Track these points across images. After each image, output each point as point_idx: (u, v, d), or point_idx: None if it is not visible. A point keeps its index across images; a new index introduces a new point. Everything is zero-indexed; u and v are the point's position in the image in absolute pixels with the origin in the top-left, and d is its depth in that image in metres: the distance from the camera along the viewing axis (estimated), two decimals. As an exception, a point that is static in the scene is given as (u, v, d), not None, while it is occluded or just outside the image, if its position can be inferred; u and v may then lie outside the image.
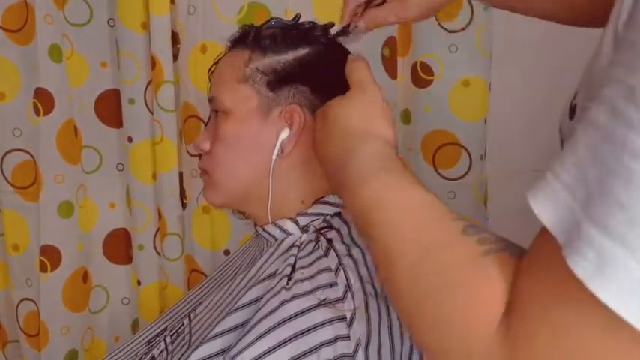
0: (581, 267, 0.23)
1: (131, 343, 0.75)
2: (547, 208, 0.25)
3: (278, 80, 0.58)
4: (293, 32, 0.60)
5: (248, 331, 0.52)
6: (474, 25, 0.98)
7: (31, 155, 0.99)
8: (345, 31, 0.59)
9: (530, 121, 1.06)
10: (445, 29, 0.99)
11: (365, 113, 0.48)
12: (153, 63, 0.96)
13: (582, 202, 0.24)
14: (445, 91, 1.00)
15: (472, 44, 0.98)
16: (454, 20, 0.98)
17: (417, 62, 1.02)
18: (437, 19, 0.99)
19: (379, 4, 0.57)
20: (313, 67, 0.59)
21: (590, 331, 0.24)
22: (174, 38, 0.98)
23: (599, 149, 0.24)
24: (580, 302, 0.23)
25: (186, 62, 0.98)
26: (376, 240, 0.38)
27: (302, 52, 0.59)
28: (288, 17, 0.94)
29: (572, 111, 0.34)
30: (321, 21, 0.63)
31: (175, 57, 0.98)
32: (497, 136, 1.04)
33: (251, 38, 0.60)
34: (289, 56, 0.58)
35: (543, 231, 0.26)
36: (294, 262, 0.56)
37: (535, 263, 0.28)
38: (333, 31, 0.60)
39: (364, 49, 0.97)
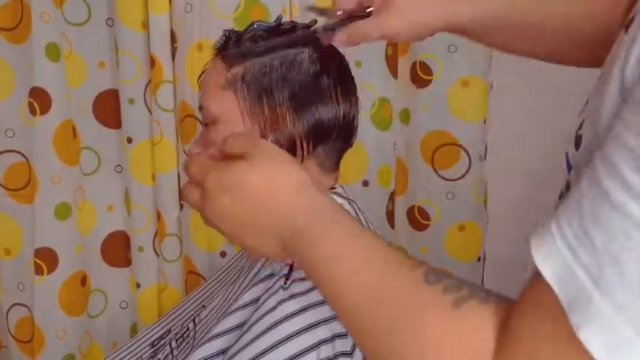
0: (596, 345, 0.23)
1: (133, 344, 0.75)
2: (549, 264, 0.26)
3: (259, 84, 0.56)
4: (273, 34, 0.58)
5: (247, 331, 0.52)
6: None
7: (25, 156, 0.97)
8: (325, 12, 0.56)
9: (530, 121, 1.06)
10: (444, 29, 0.99)
11: (278, 167, 0.42)
12: (152, 62, 0.95)
13: (591, 272, 0.24)
14: (444, 91, 1.00)
15: (471, 44, 0.98)
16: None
17: (415, 62, 1.01)
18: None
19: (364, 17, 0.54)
20: (296, 65, 0.57)
21: None
22: (172, 37, 0.97)
23: (608, 218, 0.24)
24: None
25: (183, 61, 0.97)
26: (336, 301, 0.36)
27: (282, 53, 0.57)
28: (286, 14, 0.95)
29: (578, 141, 0.34)
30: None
31: (173, 56, 0.98)
32: (497, 136, 1.04)
33: (232, 43, 0.59)
34: (269, 58, 0.57)
35: (539, 280, 0.26)
36: (292, 263, 0.55)
37: (534, 315, 0.27)
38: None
39: (370, 47, 0.96)
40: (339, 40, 0.54)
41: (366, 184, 1.05)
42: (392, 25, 0.52)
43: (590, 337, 0.24)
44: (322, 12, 0.57)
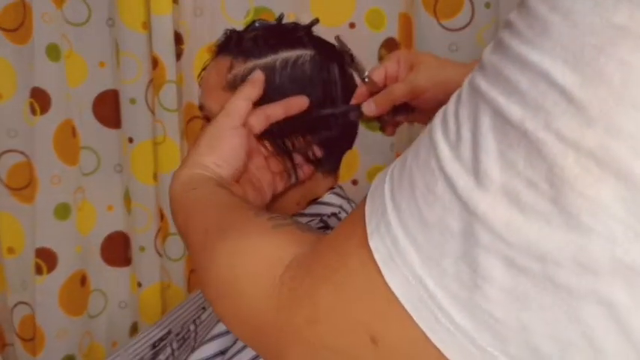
0: (379, 251, 0.24)
1: (134, 344, 0.75)
2: (376, 179, 0.27)
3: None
4: (275, 34, 0.58)
5: (245, 332, 0.51)
6: (475, 24, 0.97)
7: (27, 156, 0.98)
8: (356, 68, 0.58)
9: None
10: (445, 28, 0.98)
11: (200, 140, 0.52)
12: (154, 63, 0.95)
13: (393, 185, 0.25)
14: (445, 90, 1.00)
15: (474, 43, 0.98)
16: (455, 18, 0.98)
17: (416, 62, 1.01)
18: (437, 18, 0.99)
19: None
20: (297, 68, 0.56)
21: (369, 303, 0.25)
22: (177, 39, 0.97)
23: (421, 141, 0.25)
24: (367, 273, 0.24)
25: (192, 63, 0.97)
26: (188, 241, 0.42)
27: (284, 54, 0.56)
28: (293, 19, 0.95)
29: None
30: (327, 24, 0.61)
31: (178, 57, 0.98)
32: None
33: (233, 44, 0.58)
34: (270, 60, 0.56)
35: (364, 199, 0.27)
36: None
37: (342, 225, 0.29)
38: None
39: (361, 50, 0.97)
40: (368, 108, 0.56)
41: (355, 183, 1.05)
42: (421, 83, 0.55)
43: (377, 247, 0.24)
44: (355, 66, 0.59)
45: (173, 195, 0.48)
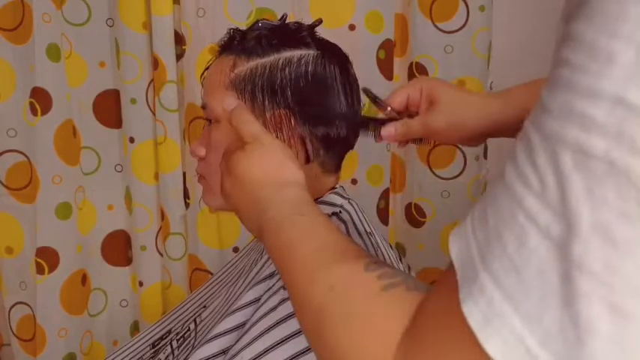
0: (473, 315, 0.23)
1: (134, 344, 0.75)
2: (456, 244, 0.26)
3: (263, 85, 0.56)
4: (278, 34, 0.58)
5: (248, 330, 0.52)
6: (471, 26, 0.99)
7: (26, 156, 0.97)
8: (376, 102, 0.62)
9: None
10: (441, 30, 1.00)
11: (271, 163, 0.48)
12: (155, 63, 0.96)
13: (481, 248, 0.24)
14: (440, 91, 1.01)
15: (468, 45, 0.99)
16: (450, 21, 0.99)
17: (412, 63, 1.02)
18: (432, 20, 1.00)
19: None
20: (299, 68, 0.57)
21: None
22: (179, 39, 0.98)
23: (501, 197, 0.24)
24: (469, 346, 0.24)
25: (194, 63, 0.98)
26: (289, 282, 0.40)
27: (286, 54, 0.57)
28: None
29: None
30: (327, 26, 0.62)
31: (179, 57, 0.98)
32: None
33: (236, 43, 0.59)
34: (273, 59, 0.57)
35: (450, 266, 0.27)
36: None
37: (436, 297, 0.29)
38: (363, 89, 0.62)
39: (360, 51, 0.98)
40: (387, 134, 0.59)
41: (354, 182, 1.06)
42: (436, 125, 0.58)
43: (470, 311, 0.24)
44: (374, 99, 0.62)
45: (275, 217, 0.44)
